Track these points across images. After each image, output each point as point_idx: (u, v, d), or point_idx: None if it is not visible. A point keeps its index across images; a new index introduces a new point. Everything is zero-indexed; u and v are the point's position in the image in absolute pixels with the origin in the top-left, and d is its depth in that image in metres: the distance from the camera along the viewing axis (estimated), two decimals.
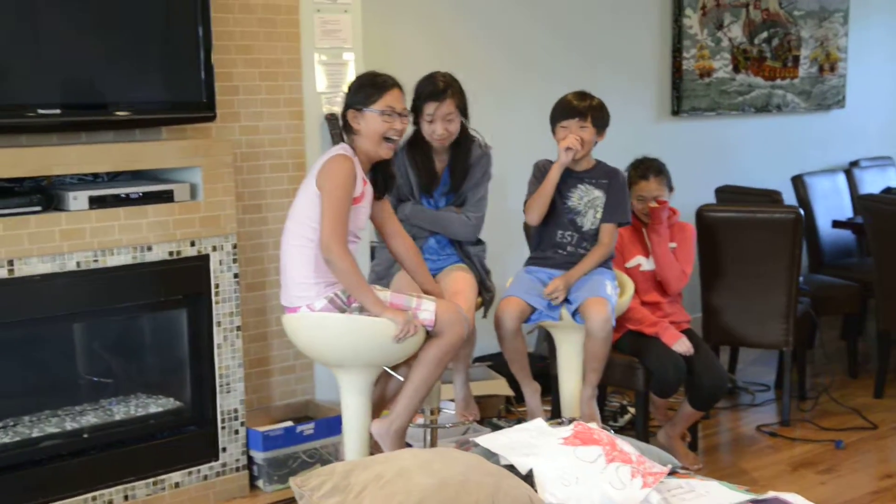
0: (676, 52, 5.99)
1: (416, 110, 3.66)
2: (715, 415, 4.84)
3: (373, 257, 3.94)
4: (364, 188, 3.34)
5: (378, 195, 3.46)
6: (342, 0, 4.24)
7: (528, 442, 2.89)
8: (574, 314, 3.76)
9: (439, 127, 3.63)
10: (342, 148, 3.34)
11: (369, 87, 3.34)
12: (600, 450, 2.82)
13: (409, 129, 3.69)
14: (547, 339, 4.15)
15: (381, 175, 3.46)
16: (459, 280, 3.68)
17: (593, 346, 3.73)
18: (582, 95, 3.84)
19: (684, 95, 6.02)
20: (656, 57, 5.96)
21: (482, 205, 3.76)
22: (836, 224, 5.94)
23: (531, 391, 3.89)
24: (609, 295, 3.75)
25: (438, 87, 3.63)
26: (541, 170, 3.87)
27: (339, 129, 3.42)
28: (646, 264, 4.20)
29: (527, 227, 4.25)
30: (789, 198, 5.65)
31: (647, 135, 5.76)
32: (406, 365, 3.46)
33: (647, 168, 4.22)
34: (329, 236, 3.22)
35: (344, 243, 3.24)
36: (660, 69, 5.98)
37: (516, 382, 3.98)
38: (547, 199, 3.80)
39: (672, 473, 2.91)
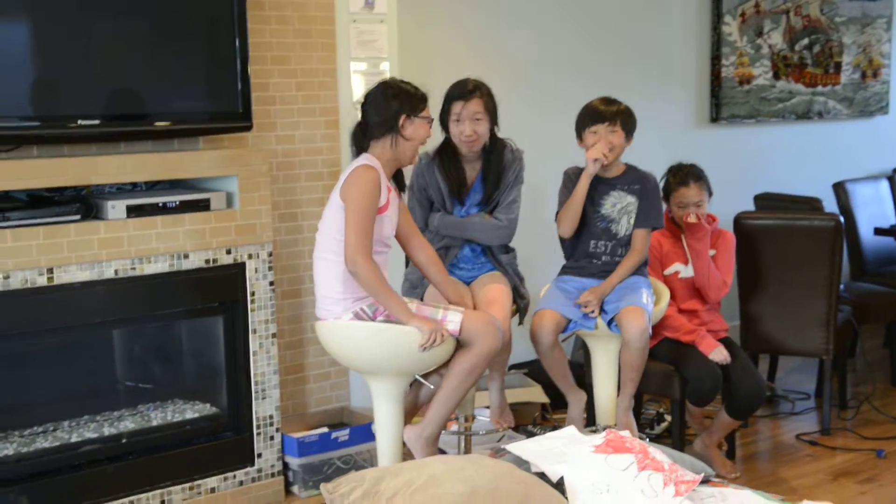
0: (715, 59, 5.95)
1: (445, 114, 3.67)
2: (754, 423, 4.79)
3: (407, 265, 3.95)
4: (389, 196, 3.36)
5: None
6: (378, 10, 4.27)
7: (559, 450, 2.88)
8: (609, 323, 3.74)
9: (467, 127, 3.63)
10: (366, 158, 3.36)
11: (415, 97, 3.37)
12: (632, 458, 2.80)
13: (438, 139, 3.70)
14: (583, 347, 4.13)
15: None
16: (494, 290, 3.68)
17: (630, 356, 3.70)
18: (609, 101, 3.81)
19: (723, 102, 5.98)
20: (695, 64, 5.93)
21: (514, 207, 3.74)
22: (879, 231, 5.86)
23: (576, 399, 3.86)
24: (645, 304, 3.72)
25: (466, 88, 3.65)
26: (570, 178, 3.85)
27: (363, 137, 3.39)
28: (684, 271, 4.17)
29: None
30: (830, 205, 5.58)
31: (686, 142, 5.72)
32: (437, 373, 3.47)
33: (687, 174, 4.17)
34: (354, 248, 3.23)
35: (368, 254, 3.25)
36: (699, 76, 5.95)
37: (552, 389, 3.96)
38: (577, 211, 3.77)
39: (706, 482, 2.89)
